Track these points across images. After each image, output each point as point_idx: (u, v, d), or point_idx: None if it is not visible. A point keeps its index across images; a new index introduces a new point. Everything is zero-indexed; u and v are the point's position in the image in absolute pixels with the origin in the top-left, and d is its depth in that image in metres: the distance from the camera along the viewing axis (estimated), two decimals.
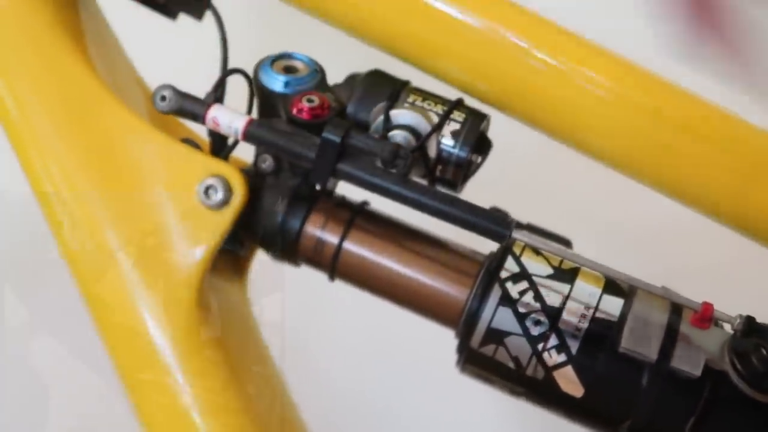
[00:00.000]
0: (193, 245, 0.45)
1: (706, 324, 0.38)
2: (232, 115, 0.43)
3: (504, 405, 0.93)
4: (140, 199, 0.46)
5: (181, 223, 0.45)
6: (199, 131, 0.49)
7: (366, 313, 0.93)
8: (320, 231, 0.45)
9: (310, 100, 0.44)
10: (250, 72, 0.46)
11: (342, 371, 0.94)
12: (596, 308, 0.40)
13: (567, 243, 0.45)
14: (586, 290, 0.41)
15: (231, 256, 0.51)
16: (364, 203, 0.47)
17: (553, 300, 0.41)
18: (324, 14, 0.46)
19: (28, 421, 0.92)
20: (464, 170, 0.44)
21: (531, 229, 0.42)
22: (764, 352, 0.37)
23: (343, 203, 0.47)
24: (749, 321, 0.37)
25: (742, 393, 0.37)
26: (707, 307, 0.38)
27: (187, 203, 0.45)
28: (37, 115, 0.48)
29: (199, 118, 0.44)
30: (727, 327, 0.39)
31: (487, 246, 0.45)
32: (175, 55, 0.78)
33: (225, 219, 0.44)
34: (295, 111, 0.43)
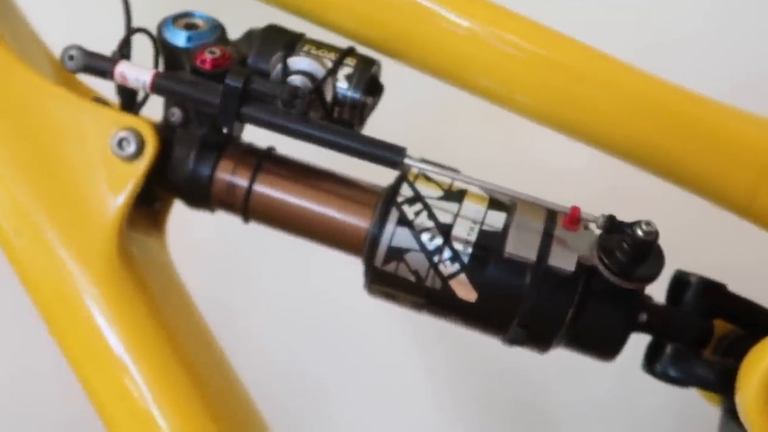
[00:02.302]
0: (110, 196, 0.47)
1: (576, 225, 0.44)
2: (139, 70, 0.46)
3: (434, 372, 0.99)
4: (55, 158, 0.48)
5: (96, 176, 0.48)
6: (109, 94, 0.52)
7: (292, 279, 0.97)
8: (230, 176, 0.49)
9: (212, 52, 0.47)
10: (154, 32, 0.49)
11: (269, 340, 0.97)
12: (482, 222, 0.45)
13: (456, 171, 0.50)
14: (473, 208, 0.46)
15: (148, 211, 0.54)
16: (270, 148, 0.51)
17: (444, 218, 0.45)
18: None
19: None
20: (359, 111, 0.49)
21: (423, 160, 0.46)
22: (625, 246, 0.42)
23: (251, 149, 0.50)
24: (611, 220, 0.43)
25: (610, 283, 0.43)
26: (574, 210, 0.43)
27: (102, 156, 0.48)
28: None
29: (108, 74, 0.47)
30: (594, 228, 0.45)
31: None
32: (78, 20, 0.79)
33: (139, 168, 0.47)
34: (198, 62, 0.47)
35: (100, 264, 0.48)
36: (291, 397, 0.92)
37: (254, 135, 0.50)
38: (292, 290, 0.97)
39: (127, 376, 0.48)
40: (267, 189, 0.49)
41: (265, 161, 0.49)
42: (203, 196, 0.50)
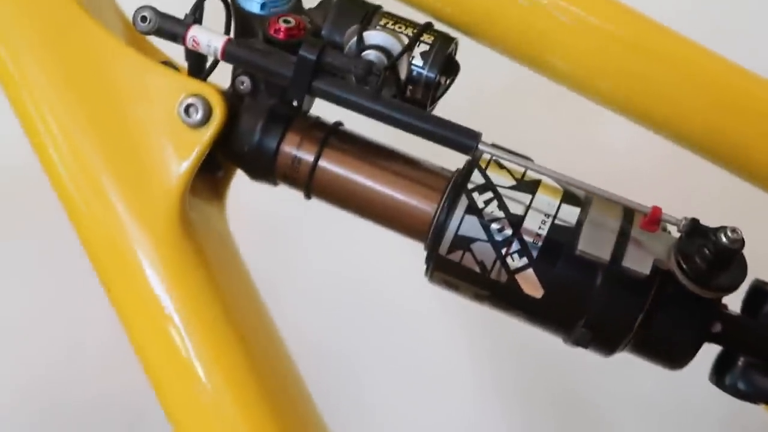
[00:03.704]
0: (174, 161, 0.47)
1: (655, 227, 0.42)
2: (211, 35, 0.45)
3: (476, 360, 0.97)
4: (122, 120, 0.47)
5: (161, 141, 0.47)
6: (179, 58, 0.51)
7: (337, 257, 0.96)
8: (296, 150, 0.48)
9: (286, 21, 0.46)
10: None
11: (308, 317, 0.95)
12: (555, 216, 0.43)
13: (529, 160, 0.48)
14: (546, 200, 0.44)
15: (210, 179, 0.53)
16: (338, 123, 0.49)
17: (515, 209, 0.43)
18: None
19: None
20: (433, 90, 0.47)
21: (496, 146, 0.44)
22: (706, 252, 0.40)
23: (318, 123, 0.49)
24: (693, 223, 0.41)
25: (686, 290, 0.41)
26: (656, 210, 0.41)
27: (168, 121, 0.47)
28: (13, 39, 0.49)
29: (179, 38, 0.45)
30: (674, 231, 0.43)
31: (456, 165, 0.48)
32: None
33: (205, 136, 0.46)
34: (272, 31, 0.45)
35: (160, 228, 0.47)
36: (326, 378, 0.90)
37: (322, 109, 0.49)
38: (337, 268, 0.95)
39: (180, 340, 0.48)
40: (332, 165, 0.47)
41: (332, 137, 0.48)
42: (267, 169, 0.49)
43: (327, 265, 0.96)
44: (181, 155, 0.47)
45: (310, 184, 0.48)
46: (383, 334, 0.97)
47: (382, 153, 0.48)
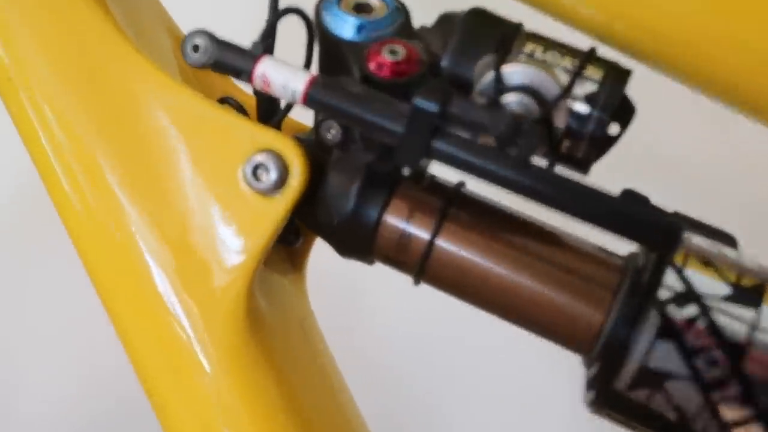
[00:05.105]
0: (239, 243, 0.34)
1: None
2: (289, 72, 0.32)
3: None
4: (169, 185, 0.35)
5: (222, 215, 0.34)
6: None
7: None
8: (405, 223, 0.35)
9: (393, 52, 0.32)
10: (309, 13, 0.35)
11: (395, 324, 0.87)
12: None
13: (732, 241, 0.34)
14: None
15: (284, 248, 0.41)
16: (460, 185, 0.36)
17: (734, 331, 0.30)
18: None
19: None
20: (599, 146, 0.33)
21: (699, 227, 0.31)
22: None
23: (434, 185, 0.36)
24: None
25: None
26: None
27: (230, 188, 0.34)
28: (38, 69, 0.37)
29: (245, 75, 0.33)
30: None
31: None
32: None
33: (279, 207, 0.34)
34: (373, 67, 0.32)
35: (218, 330, 0.36)
36: (411, 390, 0.84)
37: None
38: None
39: None
40: (455, 245, 0.34)
41: (454, 205, 0.35)
42: (363, 246, 0.36)
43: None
44: (248, 234, 0.34)
45: (424, 269, 0.35)
46: (477, 348, 0.87)
47: (523, 228, 0.35)
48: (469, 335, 0.84)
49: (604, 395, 0.31)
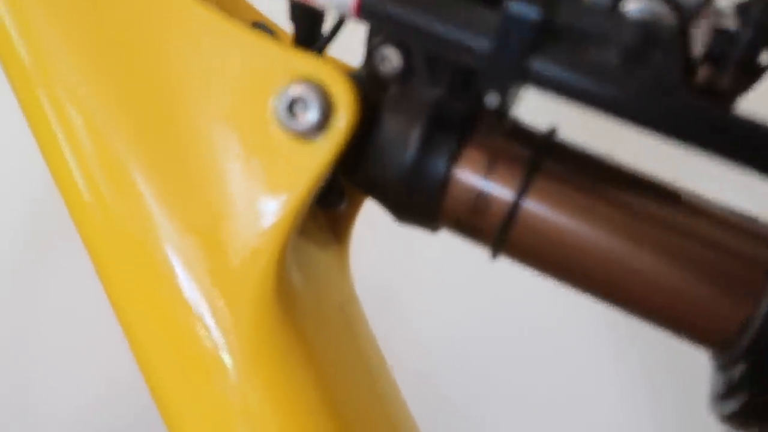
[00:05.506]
0: (269, 200, 0.27)
1: None
2: None
3: (626, 376, 0.79)
4: (184, 125, 0.28)
5: (247, 164, 0.27)
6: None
7: (461, 264, 0.80)
8: (482, 178, 0.27)
9: None
10: None
11: (431, 328, 0.80)
12: None
13: None
14: None
15: (325, 213, 0.33)
16: (552, 131, 0.28)
17: None
18: None
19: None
20: (751, 75, 0.25)
21: None
22: None
23: (518, 131, 0.28)
24: None
25: None
26: None
27: (258, 128, 0.27)
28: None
29: None
30: None
31: None
32: None
33: (321, 154, 0.26)
34: None
35: (244, 307, 0.28)
36: (449, 399, 0.79)
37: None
38: (464, 280, 0.78)
39: None
40: (547, 209, 0.26)
41: (547, 156, 0.27)
42: (427, 209, 0.28)
43: (455, 275, 0.80)
44: (277, 190, 0.27)
45: (506, 238, 0.27)
46: (522, 350, 0.83)
47: (635, 185, 0.27)
48: (512, 342, 0.82)
49: (750, 406, 0.23)
